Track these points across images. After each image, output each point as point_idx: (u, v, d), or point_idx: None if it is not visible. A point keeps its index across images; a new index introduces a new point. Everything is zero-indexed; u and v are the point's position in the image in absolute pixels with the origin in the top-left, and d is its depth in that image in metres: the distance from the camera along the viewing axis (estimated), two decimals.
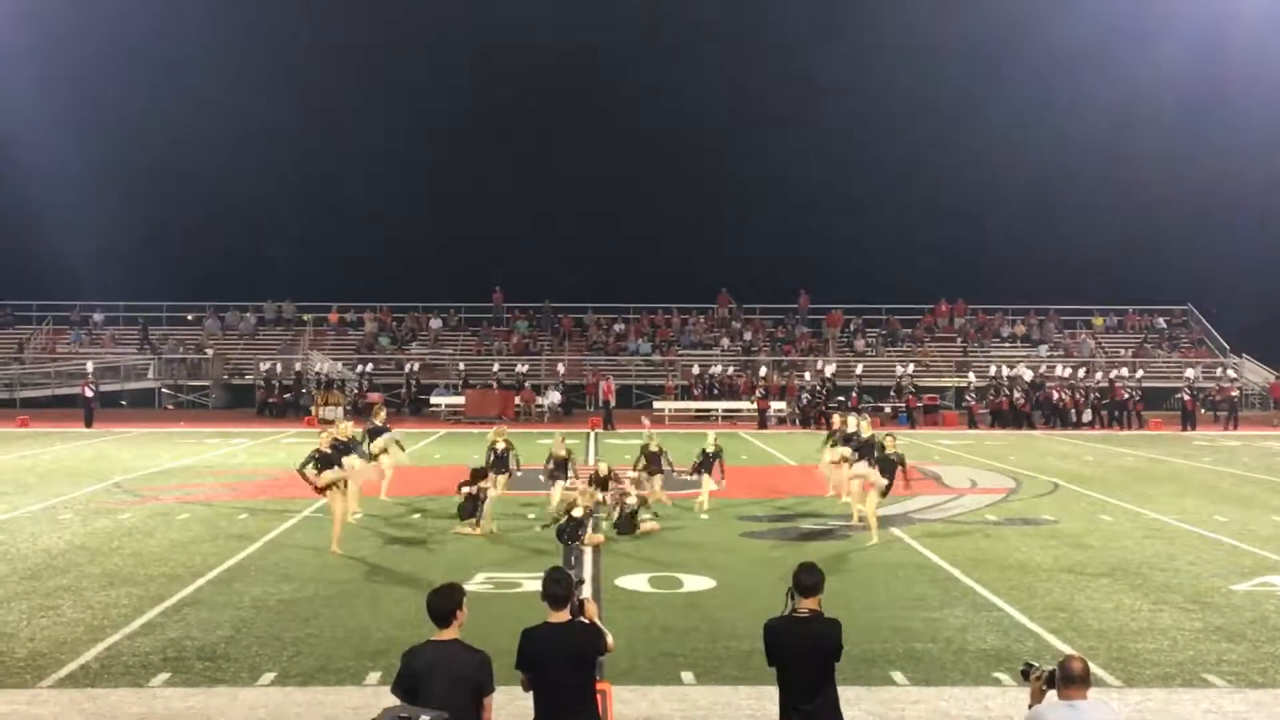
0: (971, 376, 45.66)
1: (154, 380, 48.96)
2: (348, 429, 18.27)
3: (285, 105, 58.32)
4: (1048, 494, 22.30)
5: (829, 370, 45.35)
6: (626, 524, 17.37)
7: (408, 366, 47.74)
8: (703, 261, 57.80)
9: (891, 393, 45.40)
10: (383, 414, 21.90)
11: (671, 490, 20.39)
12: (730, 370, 47.08)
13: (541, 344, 52.67)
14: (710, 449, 19.95)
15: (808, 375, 46.12)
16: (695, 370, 47.25)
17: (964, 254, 57.06)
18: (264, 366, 46.09)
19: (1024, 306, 55.66)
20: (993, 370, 46.13)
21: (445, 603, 6.52)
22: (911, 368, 47.41)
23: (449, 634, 6.48)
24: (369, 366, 48.27)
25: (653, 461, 19.62)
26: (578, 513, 16.26)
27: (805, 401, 42.65)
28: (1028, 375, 44.81)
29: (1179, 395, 42.85)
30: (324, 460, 15.96)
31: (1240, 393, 45.55)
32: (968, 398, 43.40)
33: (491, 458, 19.23)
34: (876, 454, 17.27)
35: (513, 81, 60.63)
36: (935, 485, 23.47)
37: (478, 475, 17.70)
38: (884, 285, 54.50)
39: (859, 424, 19.76)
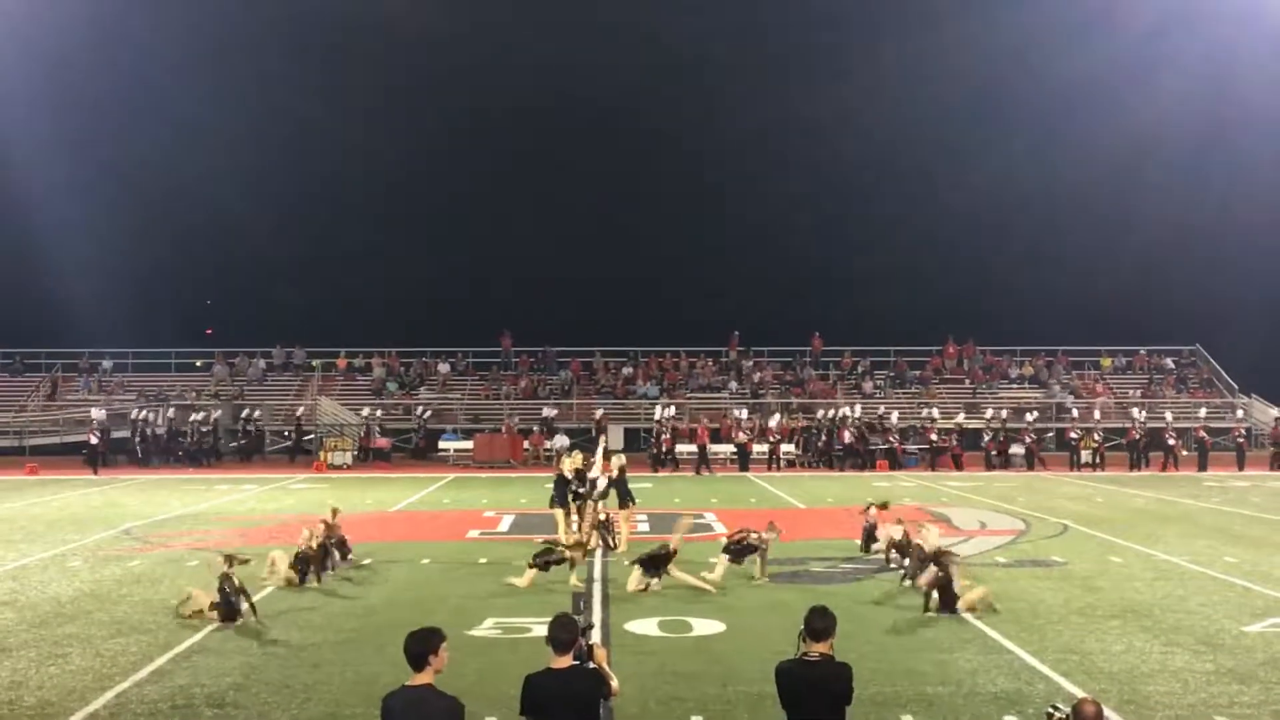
0: (849, 411, 44.33)
1: (163, 427, 48.83)
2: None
3: (292, 149, 58.80)
4: (1057, 535, 22.20)
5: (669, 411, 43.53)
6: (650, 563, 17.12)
7: (419, 410, 47.50)
8: (710, 304, 57.95)
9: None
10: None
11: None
12: (743, 414, 45.77)
13: (549, 388, 52.67)
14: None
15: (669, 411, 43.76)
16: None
17: (971, 295, 57.14)
18: (244, 413, 45.90)
19: (1033, 348, 55.56)
20: (826, 413, 44.67)
21: (420, 646, 6.52)
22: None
23: (423, 679, 6.48)
24: (378, 411, 47.94)
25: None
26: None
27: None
28: (851, 414, 43.54)
29: (1176, 433, 42.22)
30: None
31: (1249, 432, 45.16)
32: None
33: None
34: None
35: (519, 126, 61.15)
36: (944, 527, 23.28)
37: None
38: (891, 327, 54.46)
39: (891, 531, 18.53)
